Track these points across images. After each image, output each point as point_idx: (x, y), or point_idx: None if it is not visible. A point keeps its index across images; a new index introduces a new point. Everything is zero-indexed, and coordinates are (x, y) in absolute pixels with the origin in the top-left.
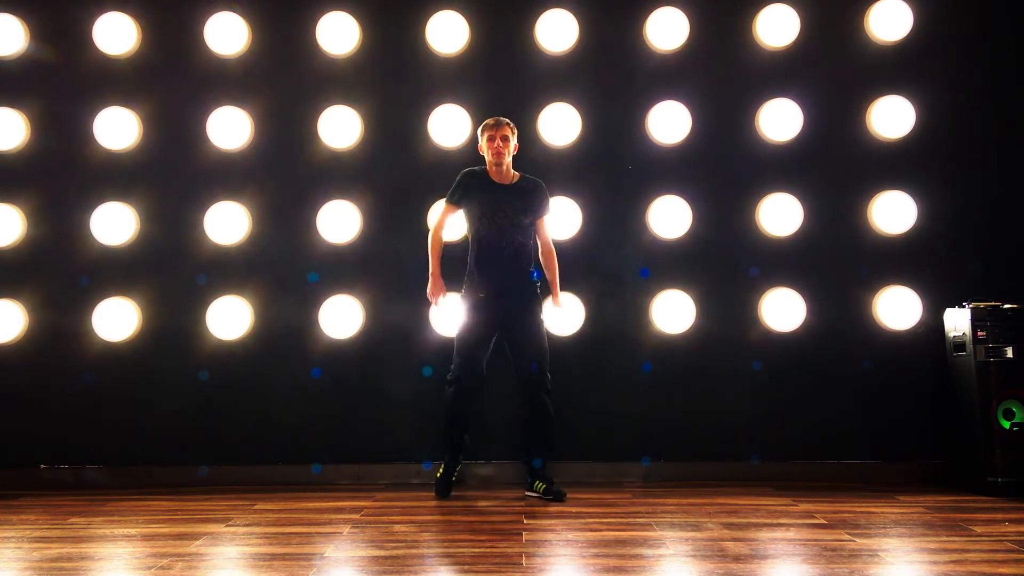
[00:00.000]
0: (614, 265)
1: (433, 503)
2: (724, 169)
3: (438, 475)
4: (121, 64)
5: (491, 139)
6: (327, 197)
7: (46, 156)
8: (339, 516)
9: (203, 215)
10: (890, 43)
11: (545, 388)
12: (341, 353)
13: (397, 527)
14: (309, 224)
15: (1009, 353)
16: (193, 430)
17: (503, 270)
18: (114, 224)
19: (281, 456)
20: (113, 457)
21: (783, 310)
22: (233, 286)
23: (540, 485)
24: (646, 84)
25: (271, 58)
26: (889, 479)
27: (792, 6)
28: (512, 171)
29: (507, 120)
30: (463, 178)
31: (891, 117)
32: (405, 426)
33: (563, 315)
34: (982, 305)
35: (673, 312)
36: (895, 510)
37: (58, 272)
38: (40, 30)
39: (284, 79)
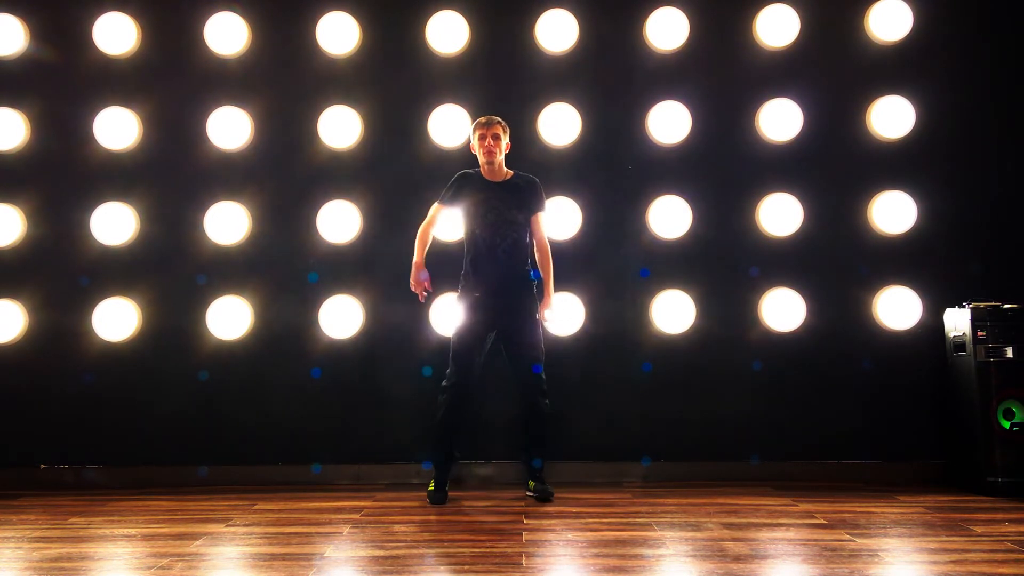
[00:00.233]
0: (614, 265)
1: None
2: (724, 169)
3: (430, 488)
4: (121, 64)
5: (482, 138)
6: (327, 197)
7: (46, 156)
8: (339, 516)
9: (203, 215)
10: (890, 43)
11: (541, 389)
12: (341, 353)
13: (397, 527)
14: (309, 224)
15: (1009, 353)
16: (193, 430)
17: (498, 268)
18: (114, 224)
19: (281, 456)
20: (113, 457)
21: (783, 310)
22: (233, 286)
23: (532, 484)
24: (646, 84)
25: (271, 58)
26: (889, 479)
27: (792, 6)
28: (505, 169)
29: (498, 119)
30: (456, 179)
31: (891, 117)
32: (405, 426)
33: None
34: (982, 305)
35: (673, 312)
36: (895, 510)
37: (58, 272)
38: (40, 30)
39: (284, 79)
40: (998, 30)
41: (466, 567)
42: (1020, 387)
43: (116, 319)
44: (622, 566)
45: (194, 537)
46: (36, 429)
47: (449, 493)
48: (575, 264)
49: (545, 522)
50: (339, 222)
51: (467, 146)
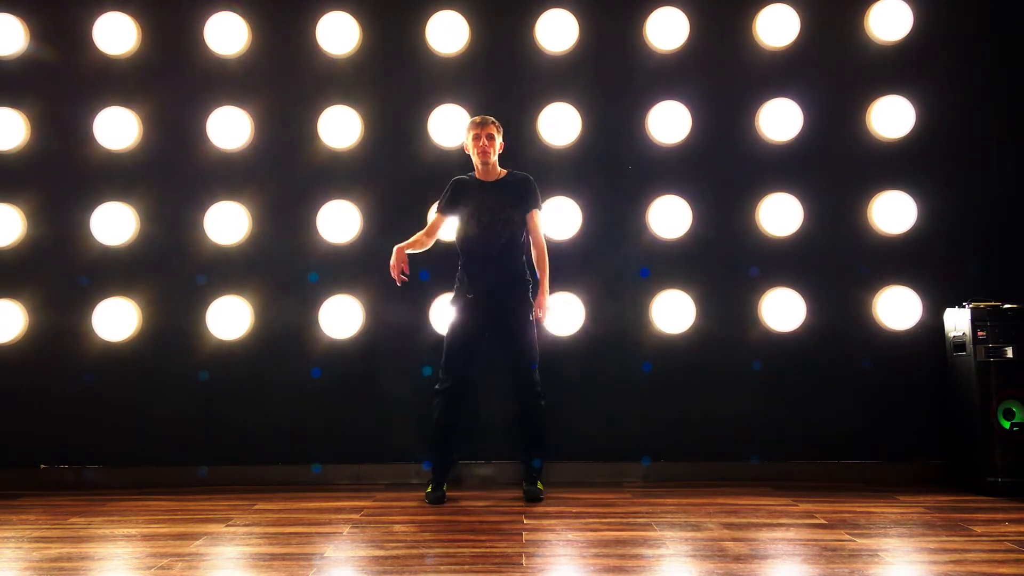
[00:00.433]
0: (614, 265)
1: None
2: (724, 169)
3: (428, 490)
4: (121, 64)
5: (476, 138)
6: (327, 197)
7: (46, 156)
8: (339, 516)
9: (203, 215)
10: (890, 43)
11: (536, 390)
12: (341, 353)
13: (397, 527)
14: (309, 224)
15: (1009, 353)
16: (193, 430)
17: (493, 269)
18: (114, 224)
19: (281, 456)
20: (113, 457)
21: (783, 310)
22: (233, 286)
23: (524, 484)
24: (646, 84)
25: (271, 58)
26: (889, 479)
27: (792, 6)
28: (499, 168)
29: (492, 118)
30: (451, 186)
31: (891, 117)
32: (405, 426)
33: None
34: (982, 305)
35: (673, 312)
36: (895, 510)
37: (58, 272)
38: (40, 30)
39: (284, 79)
40: (998, 30)
41: (466, 567)
42: (1020, 387)
43: (116, 319)
44: (622, 566)
45: (194, 537)
46: (36, 429)
47: (449, 493)
48: (575, 264)
49: (545, 522)
50: (339, 222)
51: None
